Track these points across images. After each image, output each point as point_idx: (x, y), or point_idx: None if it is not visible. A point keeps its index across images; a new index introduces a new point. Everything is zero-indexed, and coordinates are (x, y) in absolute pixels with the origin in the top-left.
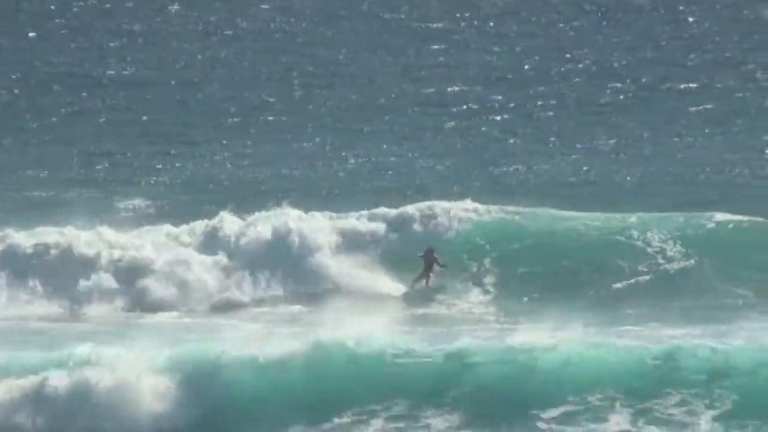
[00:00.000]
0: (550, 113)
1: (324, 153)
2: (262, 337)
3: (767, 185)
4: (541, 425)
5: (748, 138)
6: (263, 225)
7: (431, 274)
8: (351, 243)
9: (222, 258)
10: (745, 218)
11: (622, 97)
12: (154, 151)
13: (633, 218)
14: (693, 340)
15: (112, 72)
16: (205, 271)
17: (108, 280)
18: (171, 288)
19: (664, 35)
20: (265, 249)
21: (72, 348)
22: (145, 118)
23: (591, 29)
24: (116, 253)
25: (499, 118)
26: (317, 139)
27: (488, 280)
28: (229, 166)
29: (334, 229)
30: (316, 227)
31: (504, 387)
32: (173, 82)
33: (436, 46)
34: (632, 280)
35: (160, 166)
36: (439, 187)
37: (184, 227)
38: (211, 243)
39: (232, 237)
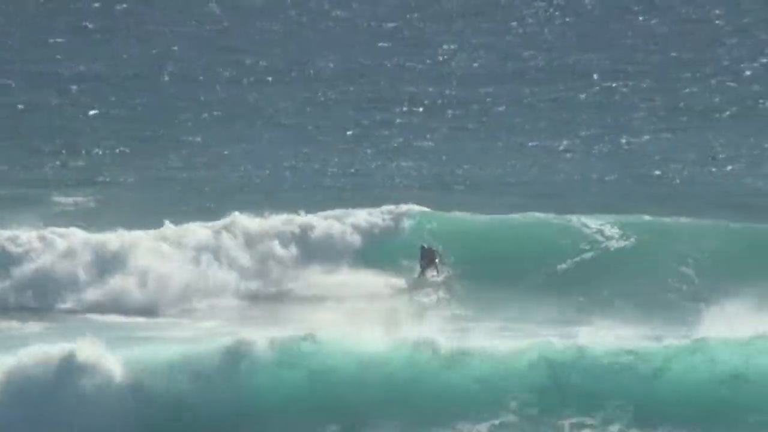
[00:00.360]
0: (501, 110)
1: (275, 152)
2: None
3: (714, 183)
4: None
5: (694, 136)
6: (210, 227)
7: (438, 265)
8: (301, 243)
9: (175, 259)
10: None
11: (572, 95)
12: (105, 147)
13: (582, 218)
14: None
15: (64, 68)
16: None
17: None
18: (107, 289)
19: (615, 34)
20: (214, 251)
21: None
22: (95, 112)
23: (542, 28)
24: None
25: (450, 115)
26: (271, 137)
27: (441, 276)
28: (180, 164)
29: (285, 230)
30: (267, 227)
31: (440, 382)
32: (124, 80)
33: (386, 44)
34: (581, 280)
35: (110, 164)
36: (390, 186)
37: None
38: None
39: (178, 239)
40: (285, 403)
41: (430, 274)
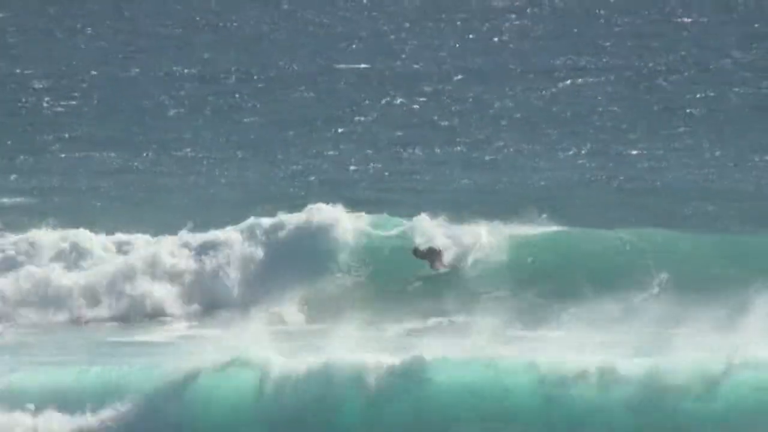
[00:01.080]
0: (463, 111)
1: (237, 155)
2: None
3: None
4: None
5: (663, 136)
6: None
7: (441, 260)
8: (238, 254)
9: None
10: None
11: (536, 95)
12: (66, 149)
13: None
14: None
15: (24, 67)
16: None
17: None
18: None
19: (579, 34)
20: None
21: None
22: (59, 110)
23: (505, 28)
24: None
25: (411, 117)
26: (233, 139)
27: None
28: (141, 166)
29: (233, 236)
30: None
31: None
32: (66, 82)
33: (347, 46)
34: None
35: (66, 165)
36: (336, 194)
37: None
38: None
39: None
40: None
41: (442, 262)
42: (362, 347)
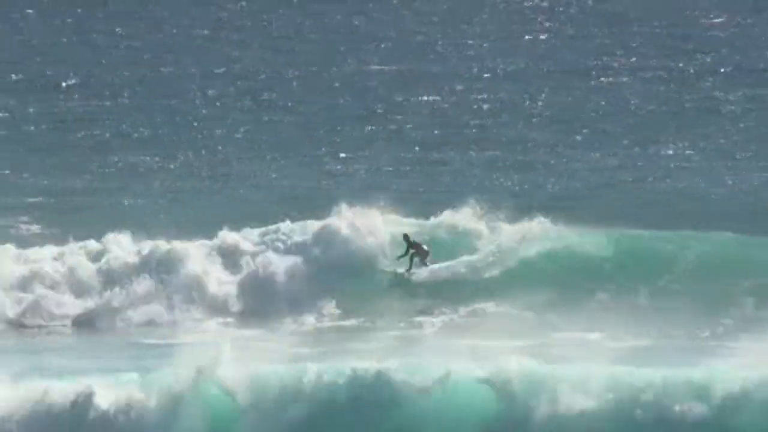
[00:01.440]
0: (485, 113)
1: (250, 159)
2: None
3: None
4: None
5: (695, 140)
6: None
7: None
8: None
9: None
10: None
11: (551, 98)
12: (90, 151)
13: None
14: None
15: (47, 68)
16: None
17: None
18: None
19: (607, 37)
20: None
21: None
22: (84, 111)
23: (527, 31)
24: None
25: (439, 120)
26: (255, 141)
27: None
28: (163, 164)
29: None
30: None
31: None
32: (95, 82)
33: (373, 45)
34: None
35: (87, 168)
36: (368, 194)
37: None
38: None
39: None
40: None
41: (423, 259)
42: (366, 351)
